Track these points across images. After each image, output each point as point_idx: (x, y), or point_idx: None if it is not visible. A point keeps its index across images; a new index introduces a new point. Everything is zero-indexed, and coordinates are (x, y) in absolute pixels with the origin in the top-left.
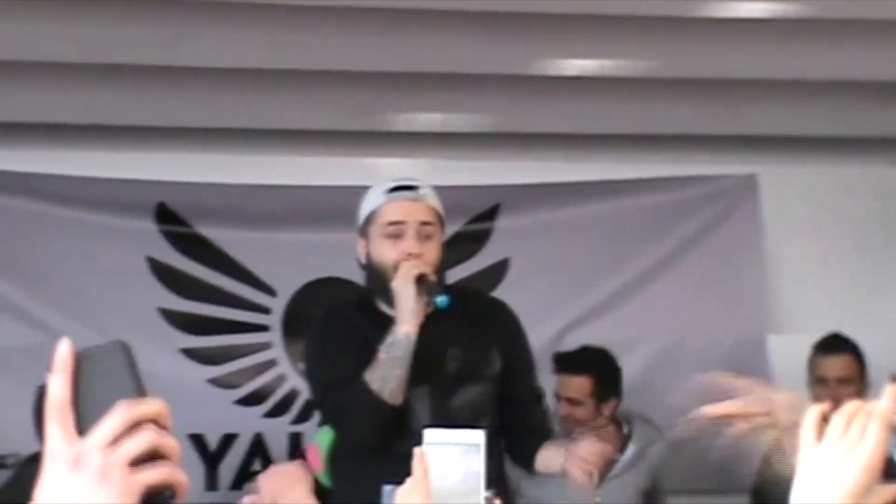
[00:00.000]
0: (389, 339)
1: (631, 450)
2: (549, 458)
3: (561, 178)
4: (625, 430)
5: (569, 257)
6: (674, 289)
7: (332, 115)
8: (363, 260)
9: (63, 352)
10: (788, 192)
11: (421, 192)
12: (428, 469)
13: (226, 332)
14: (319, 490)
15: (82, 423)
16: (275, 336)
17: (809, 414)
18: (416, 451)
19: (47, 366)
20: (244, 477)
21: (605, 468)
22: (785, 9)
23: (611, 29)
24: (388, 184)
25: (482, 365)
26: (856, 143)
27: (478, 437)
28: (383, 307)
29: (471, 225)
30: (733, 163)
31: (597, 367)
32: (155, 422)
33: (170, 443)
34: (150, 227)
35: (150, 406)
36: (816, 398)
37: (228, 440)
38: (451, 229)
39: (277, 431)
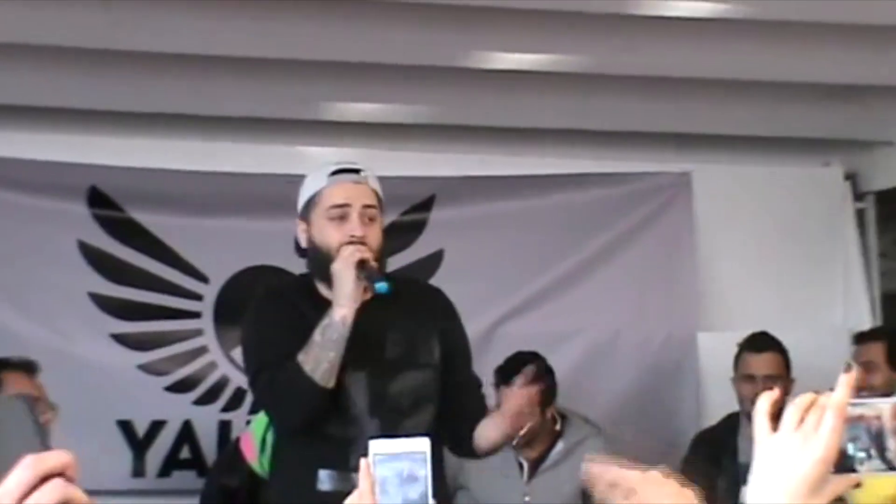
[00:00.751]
0: (325, 321)
1: (560, 445)
2: (485, 429)
3: (497, 172)
4: (557, 426)
5: (504, 250)
6: (609, 283)
7: (268, 102)
8: (304, 243)
9: None
10: (721, 189)
11: (364, 175)
12: (374, 482)
13: (157, 318)
14: (253, 480)
15: None
16: (206, 323)
17: (761, 403)
18: (362, 462)
19: None
20: (171, 464)
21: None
22: (722, 9)
23: (549, 23)
24: (330, 166)
25: (422, 351)
26: (788, 143)
27: (423, 445)
28: (323, 291)
29: (406, 216)
30: (668, 160)
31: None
32: (62, 474)
33: (79, 495)
34: (82, 210)
35: (57, 458)
36: (743, 395)
37: (157, 426)
38: (387, 219)
39: (207, 419)
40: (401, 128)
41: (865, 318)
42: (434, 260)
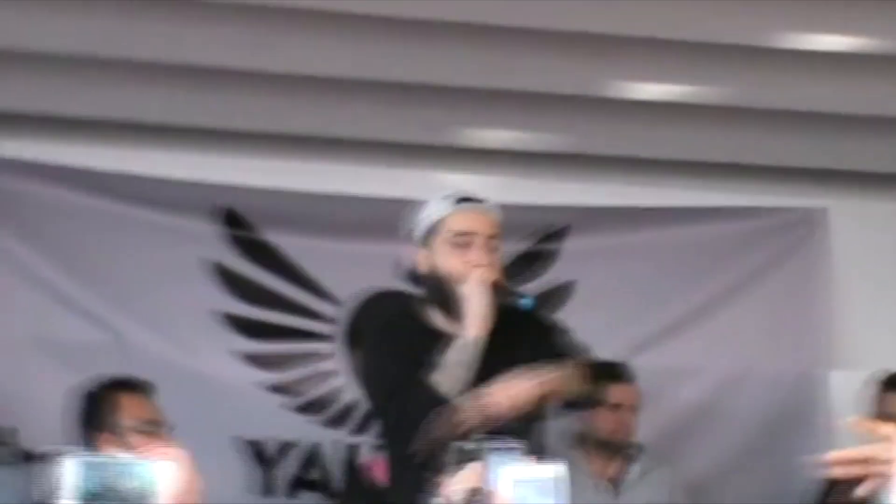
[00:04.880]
0: (459, 342)
1: (637, 468)
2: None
3: (631, 202)
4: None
5: (636, 282)
6: (739, 319)
7: (404, 127)
8: (424, 269)
9: None
10: (857, 227)
11: (488, 205)
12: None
13: (288, 339)
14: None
15: None
16: (336, 346)
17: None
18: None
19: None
20: (299, 485)
21: None
22: (864, 43)
23: (688, 55)
24: (452, 194)
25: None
26: None
27: (556, 470)
28: (435, 317)
29: (539, 244)
30: (805, 195)
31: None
32: None
33: None
34: (216, 230)
35: None
36: None
37: (286, 447)
38: (520, 247)
39: (335, 442)
40: (536, 156)
41: None
42: (566, 290)
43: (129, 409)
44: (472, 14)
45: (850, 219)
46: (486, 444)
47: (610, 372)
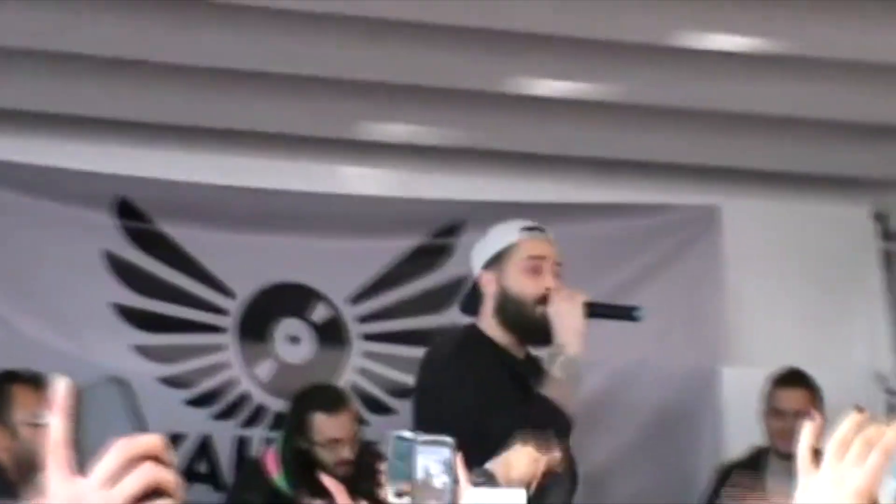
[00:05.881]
0: (561, 359)
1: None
2: None
3: (527, 198)
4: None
5: None
6: None
7: (302, 120)
8: (491, 290)
9: (61, 388)
10: (749, 225)
11: (551, 235)
12: None
13: (180, 331)
14: (276, 497)
15: (81, 461)
16: (230, 338)
17: (802, 441)
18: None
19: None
20: (188, 477)
21: None
22: (758, 44)
23: (585, 52)
24: (519, 223)
25: None
26: (818, 181)
27: (518, 497)
28: (498, 336)
29: (436, 239)
30: (697, 193)
31: None
32: (156, 457)
33: (169, 478)
34: (112, 221)
35: (149, 442)
36: (772, 430)
37: (175, 439)
38: (414, 242)
39: (225, 434)
40: (433, 150)
41: (889, 360)
42: (460, 285)
43: (21, 402)
44: (370, 9)
45: (742, 217)
46: (421, 437)
47: None
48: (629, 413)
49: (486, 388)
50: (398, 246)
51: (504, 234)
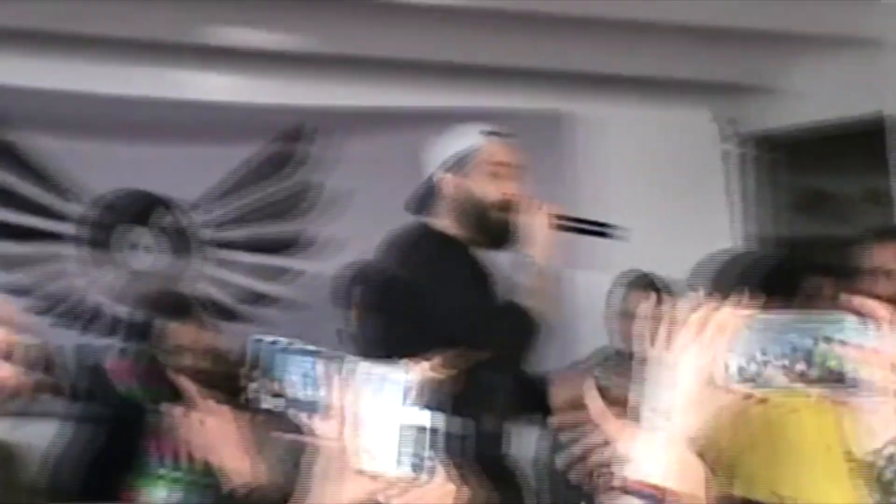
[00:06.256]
0: (534, 269)
1: None
2: None
3: (375, 104)
4: None
5: (380, 183)
6: None
7: (147, 24)
8: (452, 195)
9: None
10: (594, 130)
11: (513, 139)
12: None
13: (24, 239)
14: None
15: None
16: (74, 246)
17: (644, 325)
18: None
19: None
20: (38, 388)
21: None
22: None
23: None
24: (480, 126)
25: None
26: (667, 86)
27: (405, 369)
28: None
29: (283, 145)
30: (542, 99)
31: None
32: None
33: (18, 339)
34: None
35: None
36: (619, 332)
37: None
38: (262, 149)
39: (69, 343)
40: (280, 56)
41: None
42: (311, 191)
43: None
44: None
45: (587, 122)
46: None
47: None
48: None
49: (457, 278)
50: (245, 153)
51: (466, 137)
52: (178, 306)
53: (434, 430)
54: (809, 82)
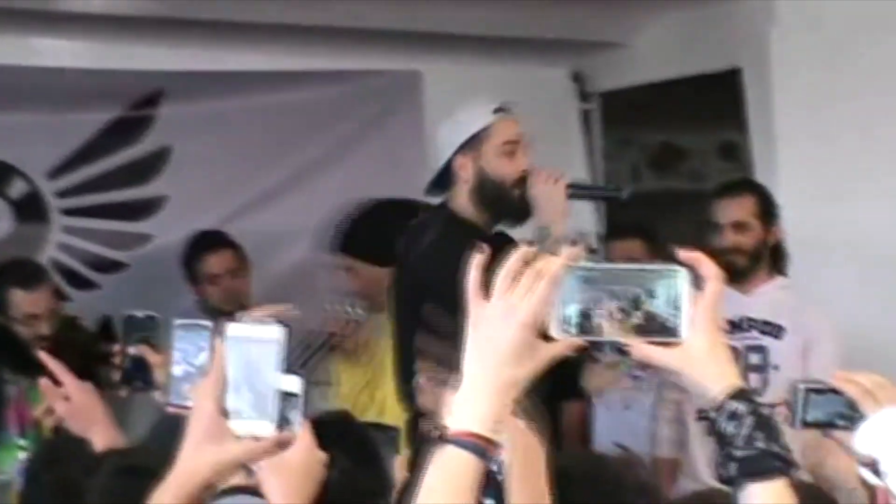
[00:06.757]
0: (551, 240)
1: None
2: None
3: (227, 67)
4: None
5: (233, 147)
6: (338, 181)
7: None
8: (467, 174)
9: None
10: (452, 89)
11: (517, 111)
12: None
13: None
14: None
15: None
16: None
17: (472, 272)
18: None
19: None
20: None
21: None
22: None
23: None
24: (489, 104)
25: None
26: (518, 44)
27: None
28: (474, 217)
29: (132, 111)
30: (398, 59)
31: None
32: None
33: None
34: None
35: None
36: None
37: None
38: (113, 114)
39: None
40: (129, 20)
41: (588, 219)
42: (161, 156)
43: None
44: None
45: (445, 81)
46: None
47: (204, 241)
48: None
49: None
50: (96, 119)
51: (477, 117)
52: (27, 274)
53: (297, 395)
54: (663, 38)
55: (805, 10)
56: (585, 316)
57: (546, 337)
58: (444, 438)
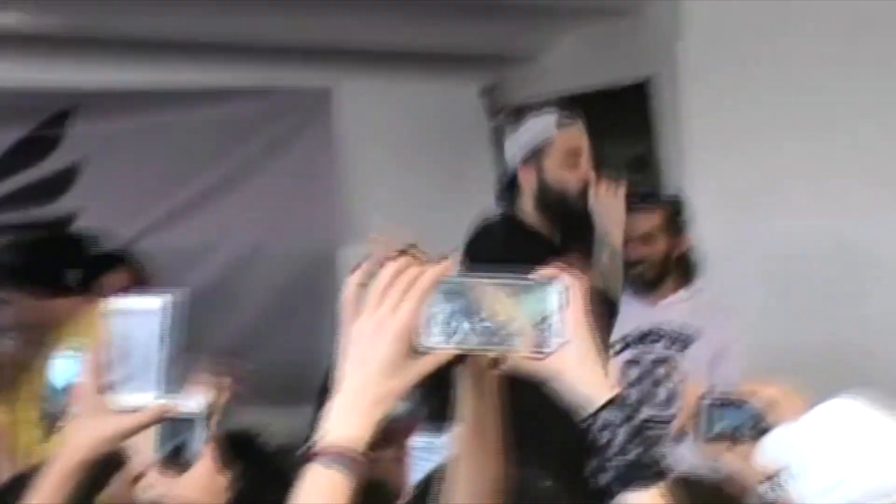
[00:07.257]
0: (609, 249)
1: None
2: None
3: (138, 85)
4: None
5: (145, 164)
6: (249, 199)
7: None
8: (531, 185)
9: None
10: (363, 106)
11: (581, 121)
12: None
13: None
14: None
15: None
16: None
17: (347, 288)
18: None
19: None
20: None
21: None
22: None
23: None
24: (552, 115)
25: None
26: (428, 59)
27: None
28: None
29: (40, 130)
30: (307, 76)
31: None
32: None
33: None
34: None
35: None
36: None
37: None
38: (19, 133)
39: None
40: (36, 39)
41: None
42: (69, 175)
43: None
44: None
45: (355, 98)
46: None
47: (107, 261)
48: (248, 298)
49: None
50: (2, 139)
51: (540, 129)
52: None
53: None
54: (572, 52)
55: (712, 20)
56: (454, 328)
57: (417, 350)
58: (310, 457)
